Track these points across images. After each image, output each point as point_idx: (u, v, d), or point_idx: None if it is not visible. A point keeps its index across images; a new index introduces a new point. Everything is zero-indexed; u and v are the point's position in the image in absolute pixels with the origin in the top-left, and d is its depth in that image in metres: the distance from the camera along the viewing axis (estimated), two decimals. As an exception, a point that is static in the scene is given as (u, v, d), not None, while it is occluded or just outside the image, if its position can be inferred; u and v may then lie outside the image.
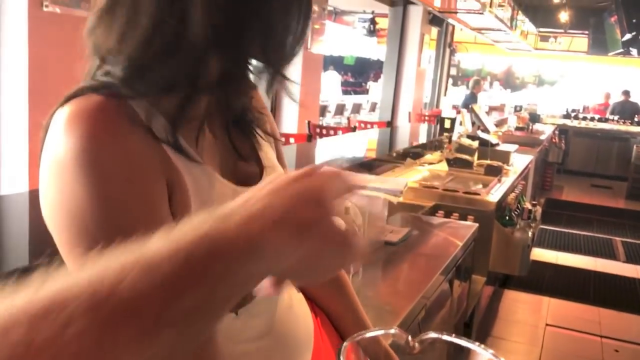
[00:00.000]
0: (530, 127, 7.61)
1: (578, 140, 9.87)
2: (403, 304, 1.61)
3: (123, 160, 0.62)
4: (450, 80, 20.93)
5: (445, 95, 11.40)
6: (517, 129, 7.41)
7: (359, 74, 26.43)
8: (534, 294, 4.33)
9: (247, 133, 0.85)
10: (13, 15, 2.86)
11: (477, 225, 2.53)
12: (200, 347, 0.64)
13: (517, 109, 9.43)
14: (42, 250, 1.19)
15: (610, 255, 5.49)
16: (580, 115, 10.48)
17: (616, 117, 10.30)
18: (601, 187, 9.06)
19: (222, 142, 0.79)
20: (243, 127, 0.85)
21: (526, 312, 4.05)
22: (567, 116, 10.37)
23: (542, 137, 7.09)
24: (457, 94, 14.41)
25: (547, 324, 3.84)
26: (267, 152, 0.88)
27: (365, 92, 20.30)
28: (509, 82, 25.19)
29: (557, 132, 8.62)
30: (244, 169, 0.82)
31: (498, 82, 24.81)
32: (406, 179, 2.11)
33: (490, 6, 6.06)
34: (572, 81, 18.45)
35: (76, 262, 0.62)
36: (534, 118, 8.45)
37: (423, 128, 5.94)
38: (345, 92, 19.21)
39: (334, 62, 21.65)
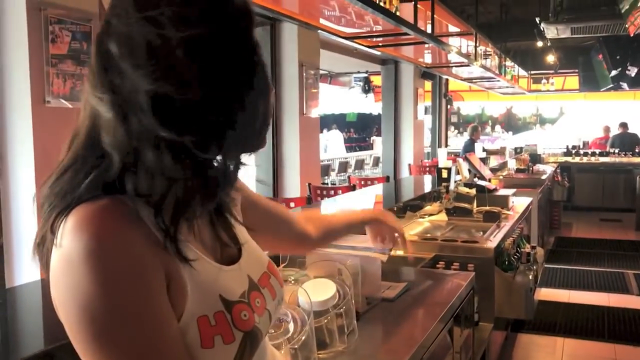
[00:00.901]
0: (531, 168, 7.71)
1: (582, 176, 9.93)
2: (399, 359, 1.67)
3: (127, 258, 0.72)
4: (452, 128, 21.22)
5: (447, 145, 11.57)
6: (518, 171, 7.51)
7: (362, 129, 26.88)
8: (547, 335, 4.33)
9: (223, 217, 0.95)
10: (18, 111, 3.04)
11: (473, 273, 2.60)
12: None
13: (517, 151, 9.56)
14: (56, 336, 1.29)
15: (623, 289, 5.47)
16: (581, 151, 10.58)
17: (617, 150, 10.39)
18: (610, 220, 9.05)
19: (206, 228, 0.88)
20: (220, 213, 0.94)
21: (541, 355, 4.04)
22: (568, 153, 10.47)
23: (544, 177, 7.17)
24: (458, 141, 14.61)
25: (563, 365, 3.83)
26: (240, 230, 0.98)
27: (370, 146, 20.58)
28: (511, 124, 25.45)
29: (558, 170, 8.70)
30: (226, 249, 0.92)
31: (499, 126, 25.10)
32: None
33: (476, 58, 6.27)
34: (571, 118, 18.63)
35: (85, 349, 0.71)
36: (535, 159, 8.56)
37: (422, 179, 6.05)
38: (350, 149, 19.51)
39: (337, 121, 22.08)
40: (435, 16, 5.07)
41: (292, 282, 1.84)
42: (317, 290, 1.72)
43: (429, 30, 4.46)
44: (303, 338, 1.47)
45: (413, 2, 3.81)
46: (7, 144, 3.08)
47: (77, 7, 3.10)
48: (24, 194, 3.07)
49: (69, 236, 0.71)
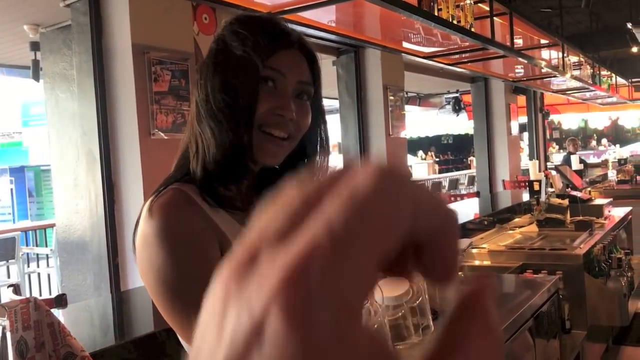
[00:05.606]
0: (635, 179, 7.37)
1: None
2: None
3: (187, 234, 0.94)
4: (554, 144, 20.38)
5: (547, 160, 11.26)
6: (620, 182, 7.21)
7: (458, 151, 26.48)
8: (654, 348, 4.15)
9: None
10: (128, 144, 3.41)
11: (557, 277, 2.62)
12: None
13: (621, 163, 9.15)
14: (161, 322, 1.52)
15: None
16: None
17: None
18: None
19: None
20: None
21: (648, 368, 3.89)
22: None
23: (649, 187, 6.85)
24: (560, 157, 14.15)
25: (671, 378, 3.67)
26: None
27: (468, 167, 20.21)
28: (619, 137, 24.14)
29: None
30: None
31: (606, 139, 23.89)
32: (470, 239, 2.28)
33: (564, 69, 6.17)
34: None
35: (162, 304, 0.93)
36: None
37: (514, 193, 5.98)
38: (447, 170, 19.30)
39: (433, 143, 21.94)
40: (518, 29, 5.09)
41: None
42: (392, 288, 1.85)
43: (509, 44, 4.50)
44: (375, 326, 1.61)
45: (489, 17, 3.88)
46: (120, 173, 3.46)
47: (175, 48, 3.45)
48: (135, 218, 3.42)
49: (145, 222, 0.95)
